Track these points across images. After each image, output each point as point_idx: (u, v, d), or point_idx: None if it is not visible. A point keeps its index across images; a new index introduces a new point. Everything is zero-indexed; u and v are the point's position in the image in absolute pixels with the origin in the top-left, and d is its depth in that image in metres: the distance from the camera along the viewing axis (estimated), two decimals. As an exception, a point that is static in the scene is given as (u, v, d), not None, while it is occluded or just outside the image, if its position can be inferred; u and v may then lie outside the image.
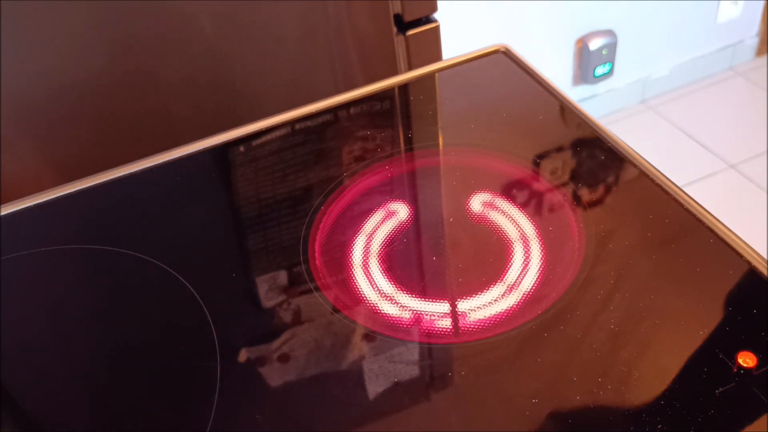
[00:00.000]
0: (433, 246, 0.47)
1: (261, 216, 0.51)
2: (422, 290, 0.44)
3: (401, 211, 0.50)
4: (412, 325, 0.42)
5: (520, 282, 0.44)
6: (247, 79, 0.70)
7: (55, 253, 0.50)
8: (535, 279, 0.44)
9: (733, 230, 0.45)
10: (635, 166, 0.50)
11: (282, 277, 0.46)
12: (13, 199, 0.54)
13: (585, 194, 0.49)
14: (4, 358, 0.43)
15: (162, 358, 0.42)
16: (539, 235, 0.46)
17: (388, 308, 0.43)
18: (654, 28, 1.71)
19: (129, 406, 0.40)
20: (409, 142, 0.56)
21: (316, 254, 0.47)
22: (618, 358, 0.38)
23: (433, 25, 0.74)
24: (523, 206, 0.49)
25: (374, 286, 0.44)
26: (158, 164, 0.55)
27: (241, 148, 0.57)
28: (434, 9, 0.74)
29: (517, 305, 0.42)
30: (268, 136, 0.57)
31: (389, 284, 0.44)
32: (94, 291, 0.48)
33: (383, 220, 0.49)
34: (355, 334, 0.42)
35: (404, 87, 0.62)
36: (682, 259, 0.44)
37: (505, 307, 0.42)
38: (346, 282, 0.45)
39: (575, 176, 0.51)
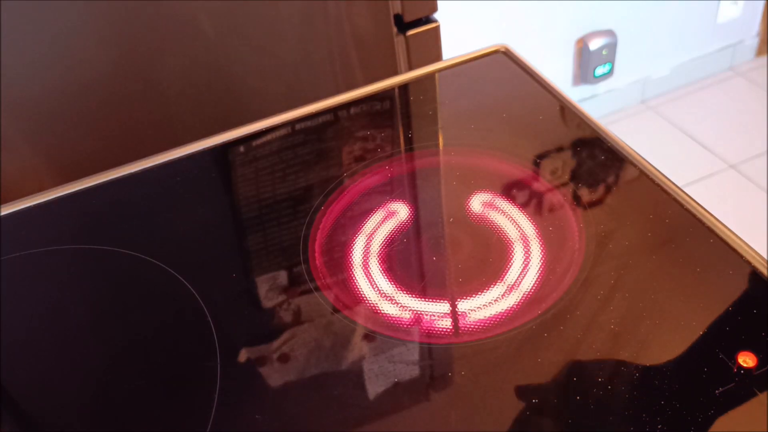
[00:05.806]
0: (433, 246, 0.47)
1: (261, 216, 0.51)
2: (422, 290, 0.44)
3: (401, 211, 0.50)
4: (412, 325, 0.42)
5: (520, 282, 0.44)
6: (247, 79, 0.70)
7: (55, 253, 0.50)
8: (535, 279, 0.44)
9: (733, 230, 0.45)
10: (635, 166, 0.50)
11: (282, 277, 0.46)
12: (13, 199, 0.54)
13: (585, 194, 0.49)
14: (4, 358, 0.43)
15: (162, 358, 0.42)
16: (539, 235, 0.46)
17: (388, 308, 0.43)
18: (654, 28, 1.71)
19: (129, 406, 0.40)
20: (409, 142, 0.56)
21: (316, 254, 0.47)
22: (618, 358, 0.38)
23: (433, 25, 0.74)
24: (523, 206, 0.49)
25: (374, 286, 0.44)
26: (158, 164, 0.55)
27: (241, 148, 0.57)
28: (434, 9, 0.74)
29: (517, 305, 0.42)
30: (268, 136, 0.57)
31: (389, 284, 0.44)
32: (94, 291, 0.48)
33: (383, 220, 0.49)
34: (355, 334, 0.42)
35: (404, 87, 0.62)
36: (682, 259, 0.44)
37: (505, 307, 0.42)
38: (346, 282, 0.45)
39: (575, 176, 0.51)
